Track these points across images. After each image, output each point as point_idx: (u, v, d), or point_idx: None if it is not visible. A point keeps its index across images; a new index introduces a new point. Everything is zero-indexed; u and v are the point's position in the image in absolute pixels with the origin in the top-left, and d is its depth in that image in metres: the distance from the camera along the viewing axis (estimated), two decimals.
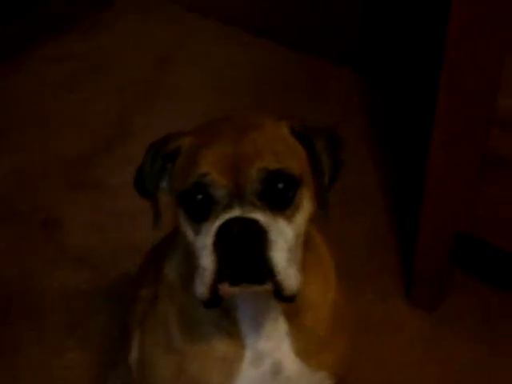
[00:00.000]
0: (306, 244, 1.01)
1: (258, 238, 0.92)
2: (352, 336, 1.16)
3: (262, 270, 0.92)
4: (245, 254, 0.92)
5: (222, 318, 1.05)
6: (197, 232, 0.96)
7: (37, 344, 1.61)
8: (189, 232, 0.98)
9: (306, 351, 1.08)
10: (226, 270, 0.92)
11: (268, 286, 0.93)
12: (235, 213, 0.93)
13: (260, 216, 0.93)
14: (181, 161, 1.02)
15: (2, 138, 2.12)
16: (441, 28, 1.42)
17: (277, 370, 1.07)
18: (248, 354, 1.06)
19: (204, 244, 0.94)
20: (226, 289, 0.93)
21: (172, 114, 2.19)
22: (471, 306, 1.68)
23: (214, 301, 0.95)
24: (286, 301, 0.96)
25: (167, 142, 1.04)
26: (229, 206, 0.94)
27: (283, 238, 0.94)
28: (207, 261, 0.93)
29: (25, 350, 1.60)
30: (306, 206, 0.99)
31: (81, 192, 1.96)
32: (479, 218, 1.51)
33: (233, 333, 1.05)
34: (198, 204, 0.96)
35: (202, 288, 0.94)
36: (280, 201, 0.96)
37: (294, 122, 1.03)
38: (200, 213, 0.96)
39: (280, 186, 0.96)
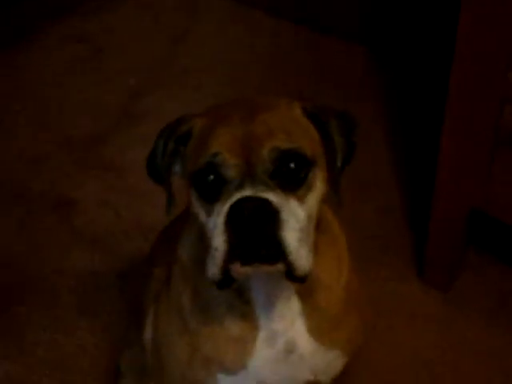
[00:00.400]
0: (318, 225, 1.01)
1: (270, 217, 0.91)
2: (364, 315, 1.16)
3: (274, 250, 0.92)
4: (256, 234, 0.91)
5: (235, 298, 1.05)
6: (209, 213, 0.96)
7: (49, 323, 1.62)
8: (201, 213, 0.98)
9: (319, 330, 1.08)
10: (237, 250, 0.92)
11: (280, 266, 0.93)
12: (247, 192, 0.92)
13: (272, 196, 0.92)
14: (193, 142, 1.02)
15: (12, 120, 2.11)
16: (454, 6, 1.40)
17: (290, 348, 1.07)
18: (262, 334, 1.06)
19: (215, 224, 0.94)
20: (237, 269, 0.93)
21: (183, 94, 2.18)
22: (485, 287, 1.67)
23: (226, 281, 0.95)
24: (298, 281, 0.96)
25: (179, 124, 1.04)
26: (240, 186, 0.93)
27: (295, 218, 0.93)
28: (219, 241, 0.93)
29: (38, 329, 1.61)
30: (318, 187, 0.98)
31: (92, 173, 1.96)
32: (493, 196, 1.50)
33: (246, 313, 1.05)
34: (209, 184, 0.96)
35: (213, 268, 0.94)
36: (292, 181, 0.95)
37: (306, 103, 1.02)
38: (212, 193, 0.96)
39: (292, 165, 0.95)
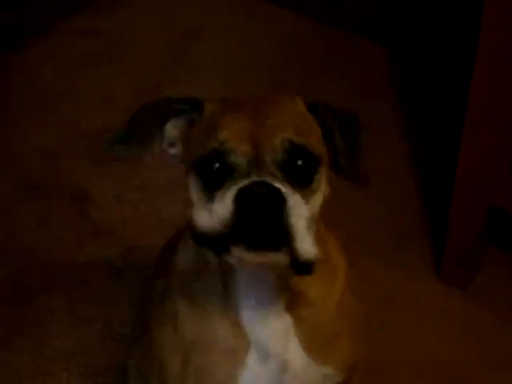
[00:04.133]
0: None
1: (279, 203, 0.89)
2: (357, 337, 1.13)
3: (280, 236, 0.89)
4: (264, 218, 0.88)
5: (226, 309, 1.03)
6: (210, 198, 0.93)
7: (66, 315, 1.62)
8: (201, 199, 0.94)
9: (310, 345, 1.05)
10: (242, 233, 0.89)
11: (284, 256, 0.90)
12: (255, 178, 0.90)
13: (280, 185, 0.90)
14: (200, 126, 0.99)
15: (27, 114, 2.11)
16: None
17: (283, 365, 1.05)
18: (253, 349, 1.04)
19: (220, 207, 0.90)
20: (239, 252, 0.90)
21: (196, 89, 2.17)
22: (504, 285, 1.66)
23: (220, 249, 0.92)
24: (303, 271, 0.93)
25: (192, 101, 1.01)
26: (247, 174, 0.91)
27: (300, 210, 0.91)
28: (223, 221, 0.89)
29: (56, 322, 1.61)
30: (323, 189, 0.96)
31: (108, 166, 1.96)
32: None
33: (237, 326, 1.03)
34: (214, 172, 0.93)
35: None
36: (300, 178, 0.93)
37: (308, 100, 1.01)
38: (215, 181, 0.93)
39: (300, 162, 0.93)
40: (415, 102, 2.12)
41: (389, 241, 1.76)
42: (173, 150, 1.02)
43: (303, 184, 0.93)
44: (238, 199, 0.89)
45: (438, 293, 1.66)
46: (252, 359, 1.04)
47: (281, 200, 0.89)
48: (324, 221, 1.01)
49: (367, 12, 2.31)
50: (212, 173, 0.93)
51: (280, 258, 0.90)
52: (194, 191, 0.95)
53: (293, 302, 1.03)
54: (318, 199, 0.95)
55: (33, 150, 2.00)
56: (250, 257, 0.90)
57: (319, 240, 0.95)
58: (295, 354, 1.05)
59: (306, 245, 0.90)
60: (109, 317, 1.61)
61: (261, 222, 0.88)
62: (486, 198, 1.53)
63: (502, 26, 1.35)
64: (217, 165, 0.93)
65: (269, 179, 0.90)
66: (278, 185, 0.89)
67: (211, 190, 0.93)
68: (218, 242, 0.91)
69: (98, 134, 2.05)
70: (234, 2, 2.51)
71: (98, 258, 1.74)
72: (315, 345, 1.06)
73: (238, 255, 0.90)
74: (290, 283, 1.01)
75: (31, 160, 1.97)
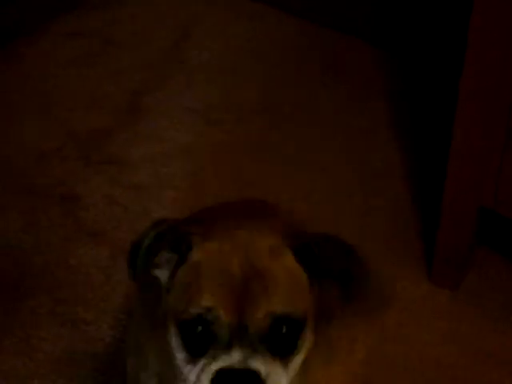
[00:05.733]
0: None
1: None
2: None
3: None
4: None
5: None
6: (191, 363, 0.94)
7: (56, 317, 1.61)
8: (180, 357, 0.96)
9: None
10: None
11: None
12: (235, 358, 0.90)
13: (259, 365, 0.91)
14: (186, 270, 0.97)
15: (18, 114, 2.10)
16: (466, 1, 1.40)
17: None
18: None
19: (198, 380, 0.92)
20: None
21: (190, 90, 2.17)
22: (494, 286, 1.66)
23: None
24: None
25: (180, 236, 0.97)
26: (229, 346, 0.91)
27: None
28: None
29: (45, 324, 1.60)
30: (305, 347, 0.96)
31: (98, 167, 1.95)
32: (503, 194, 1.49)
33: None
34: (195, 336, 0.93)
35: None
36: (281, 346, 0.93)
37: (290, 239, 0.97)
38: (197, 346, 0.93)
39: (284, 330, 0.93)
40: (409, 105, 2.12)
41: (379, 242, 1.75)
42: (158, 273, 1.01)
43: (286, 352, 0.94)
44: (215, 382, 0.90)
45: (429, 294, 1.66)
46: None
47: None
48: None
49: (361, 13, 2.31)
50: (194, 336, 0.93)
51: None
52: (175, 347, 0.96)
53: None
54: (298, 360, 0.96)
55: (22, 150, 1.99)
56: None
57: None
58: None
59: None
60: (98, 319, 1.60)
61: None
62: (476, 199, 1.53)
63: (489, 33, 1.36)
64: (199, 328, 0.93)
65: (249, 355, 0.90)
66: (258, 364, 0.90)
67: (193, 355, 0.94)
68: None
69: (88, 135, 2.04)
70: (230, 2, 2.50)
71: (87, 259, 1.73)
72: None
73: None
74: None
75: (20, 160, 1.96)
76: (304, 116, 2.08)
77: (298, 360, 0.95)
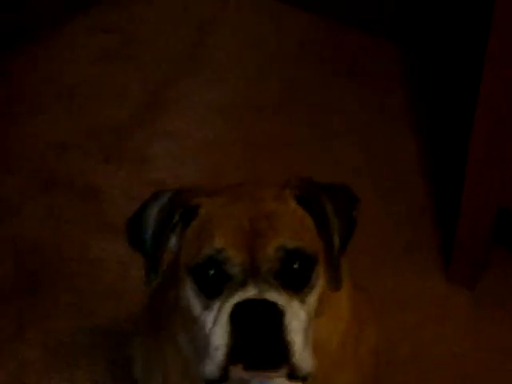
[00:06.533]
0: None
1: (276, 321, 0.89)
2: (362, 367, 1.13)
3: (278, 354, 0.90)
4: (262, 337, 0.89)
5: None
6: (206, 307, 0.94)
7: (74, 309, 1.63)
8: (196, 305, 0.95)
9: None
10: (240, 353, 0.90)
11: (283, 371, 0.91)
12: (251, 292, 0.90)
13: (276, 297, 0.91)
14: (197, 225, 0.98)
15: (38, 110, 2.12)
16: None
17: None
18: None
19: (216, 322, 0.91)
20: (238, 372, 0.91)
21: (209, 87, 2.18)
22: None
23: (221, 379, 0.93)
24: (299, 381, 0.94)
25: (187, 196, 0.98)
26: (243, 284, 0.91)
27: (298, 320, 0.92)
28: (220, 341, 0.90)
29: (63, 315, 1.62)
30: (319, 285, 0.96)
31: (118, 163, 1.97)
32: None
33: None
34: (209, 279, 0.93)
35: (212, 368, 0.92)
36: (295, 281, 0.94)
37: (294, 188, 0.99)
38: (212, 288, 0.93)
39: (296, 266, 0.94)
40: (424, 102, 2.11)
41: (397, 241, 1.75)
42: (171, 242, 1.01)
43: (300, 286, 0.94)
44: (234, 318, 0.90)
45: (447, 293, 1.65)
46: None
47: (277, 317, 0.89)
48: None
49: (379, 10, 2.30)
50: (208, 280, 0.93)
51: (279, 374, 0.92)
52: (190, 296, 0.96)
53: None
54: (314, 297, 0.95)
55: (44, 145, 2.01)
56: (248, 376, 0.92)
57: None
58: None
59: (303, 362, 0.92)
60: (115, 312, 1.62)
61: (258, 342, 0.89)
62: (496, 199, 1.52)
63: None
64: (212, 272, 0.93)
65: (265, 290, 0.90)
66: (274, 297, 0.90)
67: (208, 297, 0.94)
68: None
69: (109, 131, 2.06)
70: (248, 1, 2.51)
71: (106, 253, 1.74)
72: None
73: (237, 375, 0.92)
74: None
75: (42, 155, 1.98)
76: (323, 114, 2.08)
77: (313, 297, 0.95)
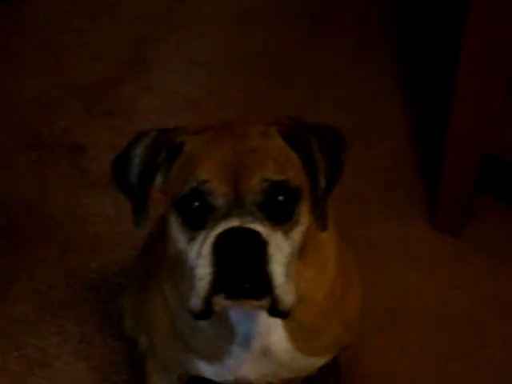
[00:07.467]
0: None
1: (259, 250, 0.90)
2: (348, 319, 1.14)
3: (260, 284, 0.90)
4: (244, 266, 0.89)
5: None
6: (191, 239, 0.94)
7: (63, 265, 1.63)
8: (182, 238, 0.95)
9: (297, 339, 1.07)
10: (222, 282, 0.90)
11: (265, 302, 0.92)
12: (234, 222, 0.90)
13: (260, 227, 0.90)
14: (181, 161, 0.98)
15: (21, 67, 2.10)
16: None
17: (268, 354, 1.06)
18: (238, 339, 1.05)
19: (200, 253, 0.91)
20: (220, 301, 0.91)
21: (194, 41, 2.16)
22: (497, 232, 1.67)
23: (206, 313, 0.93)
24: (281, 316, 0.95)
25: (172, 135, 0.98)
26: (228, 215, 0.91)
27: (282, 252, 0.92)
28: (203, 271, 0.91)
29: (51, 271, 1.63)
30: (303, 221, 0.96)
31: (103, 118, 1.96)
32: (505, 141, 1.49)
33: (224, 321, 1.04)
34: (194, 211, 0.93)
35: (195, 299, 0.92)
36: (279, 214, 0.94)
37: (282, 126, 0.99)
38: (196, 220, 0.93)
39: (280, 198, 0.93)
40: (411, 53, 2.10)
41: (382, 190, 1.76)
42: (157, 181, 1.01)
43: (284, 219, 0.94)
44: (217, 247, 0.90)
45: (433, 240, 1.66)
46: (236, 350, 1.05)
47: (261, 247, 0.90)
48: None
49: None
50: (192, 211, 0.93)
51: (261, 304, 0.92)
52: (175, 229, 0.96)
53: None
54: (298, 232, 0.95)
55: (29, 101, 2.00)
56: (231, 305, 0.93)
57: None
58: (280, 346, 1.06)
59: (285, 295, 0.92)
60: (103, 267, 1.62)
61: (241, 271, 0.89)
62: (479, 146, 1.53)
63: None
64: (196, 204, 0.93)
65: (249, 221, 0.90)
66: (257, 227, 0.90)
67: (192, 229, 0.94)
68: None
69: (92, 86, 2.04)
70: None
71: (93, 209, 1.74)
72: (302, 338, 1.07)
73: (220, 304, 0.92)
74: None
75: (27, 111, 1.97)
76: (306, 65, 2.07)
77: (298, 232, 0.95)
